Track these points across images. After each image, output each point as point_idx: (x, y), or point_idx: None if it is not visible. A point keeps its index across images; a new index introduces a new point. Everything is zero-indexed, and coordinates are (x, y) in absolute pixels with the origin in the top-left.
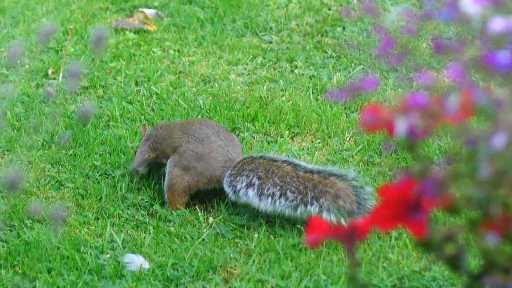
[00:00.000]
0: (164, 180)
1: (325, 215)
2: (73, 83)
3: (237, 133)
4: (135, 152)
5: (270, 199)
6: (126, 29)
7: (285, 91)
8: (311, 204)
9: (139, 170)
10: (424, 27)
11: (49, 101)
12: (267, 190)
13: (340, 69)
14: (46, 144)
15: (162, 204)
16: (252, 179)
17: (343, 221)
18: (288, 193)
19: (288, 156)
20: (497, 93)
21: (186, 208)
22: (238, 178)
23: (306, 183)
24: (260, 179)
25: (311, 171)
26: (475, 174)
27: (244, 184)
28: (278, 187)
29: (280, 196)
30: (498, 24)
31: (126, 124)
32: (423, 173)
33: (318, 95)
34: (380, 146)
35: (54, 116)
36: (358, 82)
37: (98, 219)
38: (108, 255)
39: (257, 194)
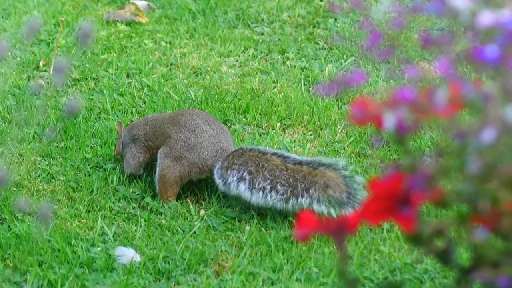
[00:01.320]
0: (155, 172)
1: (315, 206)
2: (59, 78)
3: (229, 125)
4: (117, 153)
5: (261, 193)
6: (118, 21)
7: (277, 83)
8: (302, 196)
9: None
10: (415, 19)
11: (40, 94)
12: (258, 184)
13: (331, 61)
14: (37, 136)
15: (154, 196)
16: (243, 173)
17: (333, 212)
18: (278, 187)
19: (280, 148)
20: (486, 86)
21: (177, 200)
22: (229, 171)
23: (295, 175)
24: (251, 174)
25: (300, 163)
26: (464, 168)
27: (235, 178)
28: (268, 181)
29: (271, 190)
30: (486, 18)
31: (117, 116)
32: (413, 167)
33: (309, 87)
34: (371, 139)
35: (44, 108)
36: (346, 76)
37: (89, 212)
38: (99, 248)
39: (249, 188)
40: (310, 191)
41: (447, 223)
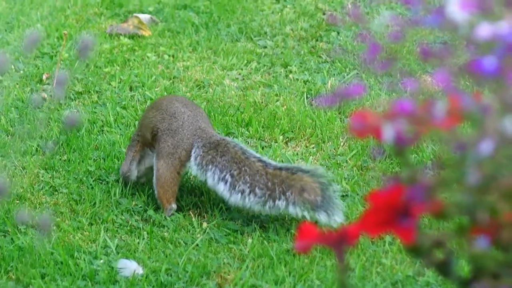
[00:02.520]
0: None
1: (291, 209)
2: (60, 91)
3: (231, 138)
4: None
5: (240, 195)
6: (121, 34)
7: (280, 96)
8: (279, 199)
9: (132, 176)
10: (418, 32)
11: (43, 107)
12: (238, 187)
13: (334, 74)
14: (40, 149)
15: (156, 209)
16: (225, 175)
17: (306, 214)
18: (257, 190)
19: (282, 161)
20: (485, 98)
21: (178, 213)
22: (210, 166)
23: (274, 180)
24: (233, 177)
25: (280, 168)
26: (463, 180)
27: (216, 176)
28: (248, 185)
29: (250, 193)
30: (485, 30)
31: (120, 129)
32: (412, 179)
33: (312, 100)
34: (371, 152)
35: (45, 121)
36: (345, 89)
37: (92, 224)
38: (101, 261)
39: (229, 189)
40: (287, 194)
41: (447, 235)
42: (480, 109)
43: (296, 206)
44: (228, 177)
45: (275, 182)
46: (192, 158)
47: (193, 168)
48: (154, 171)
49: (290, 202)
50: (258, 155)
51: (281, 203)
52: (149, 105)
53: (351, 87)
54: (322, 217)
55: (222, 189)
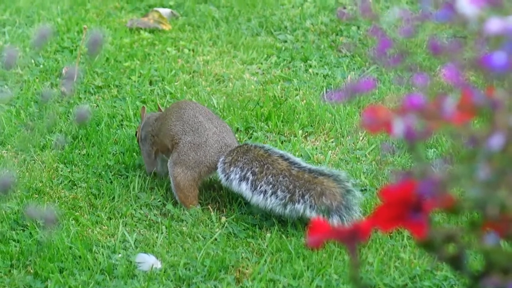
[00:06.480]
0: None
1: (307, 212)
2: (68, 87)
3: (251, 132)
4: (136, 132)
5: (262, 195)
6: (141, 28)
7: (299, 90)
8: (298, 202)
9: (158, 171)
10: (438, 26)
11: (63, 101)
12: (260, 187)
13: (354, 68)
14: (58, 143)
15: (175, 204)
16: (246, 173)
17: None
18: (279, 192)
19: (302, 156)
20: (495, 93)
21: (199, 203)
22: (232, 168)
23: (295, 182)
24: (254, 175)
25: (304, 170)
26: (473, 175)
27: (237, 176)
28: (270, 186)
29: (272, 195)
30: (495, 25)
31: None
32: (424, 174)
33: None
34: (381, 150)
35: (59, 117)
36: (355, 84)
37: (110, 218)
38: (120, 255)
39: (250, 189)
40: (305, 196)
41: (459, 229)
42: (491, 104)
43: (312, 210)
44: (249, 175)
45: (296, 184)
46: (219, 170)
47: (220, 178)
48: (171, 178)
49: (307, 205)
50: (281, 151)
51: (299, 206)
52: (168, 112)
53: (362, 82)
54: (335, 222)
55: (244, 189)
